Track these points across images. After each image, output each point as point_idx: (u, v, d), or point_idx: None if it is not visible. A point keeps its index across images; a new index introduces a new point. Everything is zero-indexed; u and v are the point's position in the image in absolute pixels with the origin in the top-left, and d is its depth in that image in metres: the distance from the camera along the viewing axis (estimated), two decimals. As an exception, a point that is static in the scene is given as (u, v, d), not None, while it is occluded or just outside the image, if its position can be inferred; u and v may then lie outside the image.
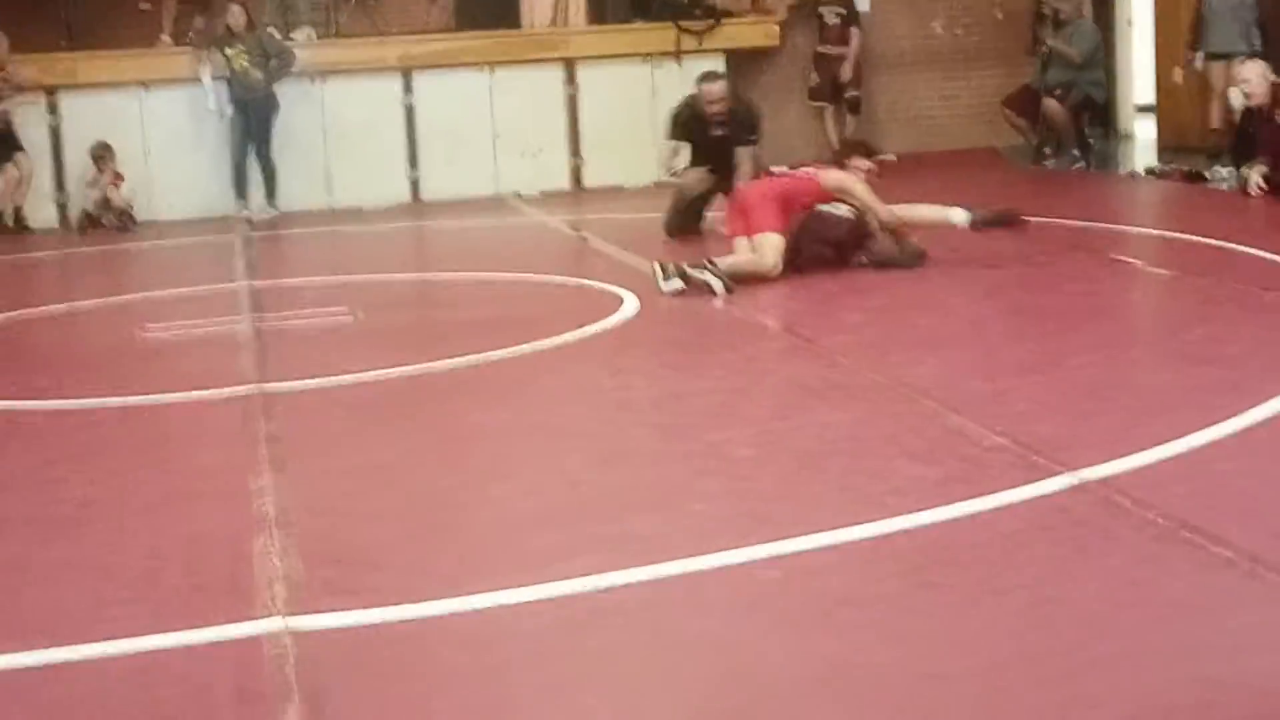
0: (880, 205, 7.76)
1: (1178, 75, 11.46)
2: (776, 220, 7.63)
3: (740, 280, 7.38)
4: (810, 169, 8.18)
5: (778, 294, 7.32)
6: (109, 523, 4.36)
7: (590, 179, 12.46)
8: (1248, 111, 9.74)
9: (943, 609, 3.35)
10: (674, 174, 9.75)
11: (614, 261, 8.66)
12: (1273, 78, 9.67)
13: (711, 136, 9.53)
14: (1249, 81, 9.55)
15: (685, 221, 9.60)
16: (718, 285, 7.28)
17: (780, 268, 7.57)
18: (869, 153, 8.25)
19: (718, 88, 9.58)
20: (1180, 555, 3.54)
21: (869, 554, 3.71)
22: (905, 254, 7.68)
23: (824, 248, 7.68)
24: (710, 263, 7.39)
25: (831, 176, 7.88)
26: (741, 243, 7.78)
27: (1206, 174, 10.22)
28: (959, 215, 7.68)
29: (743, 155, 9.54)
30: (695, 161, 9.64)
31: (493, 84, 12.30)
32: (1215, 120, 10.92)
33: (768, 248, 7.59)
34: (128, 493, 4.66)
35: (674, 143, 9.75)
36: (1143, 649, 3.05)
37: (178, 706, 3.05)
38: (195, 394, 5.86)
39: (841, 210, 7.72)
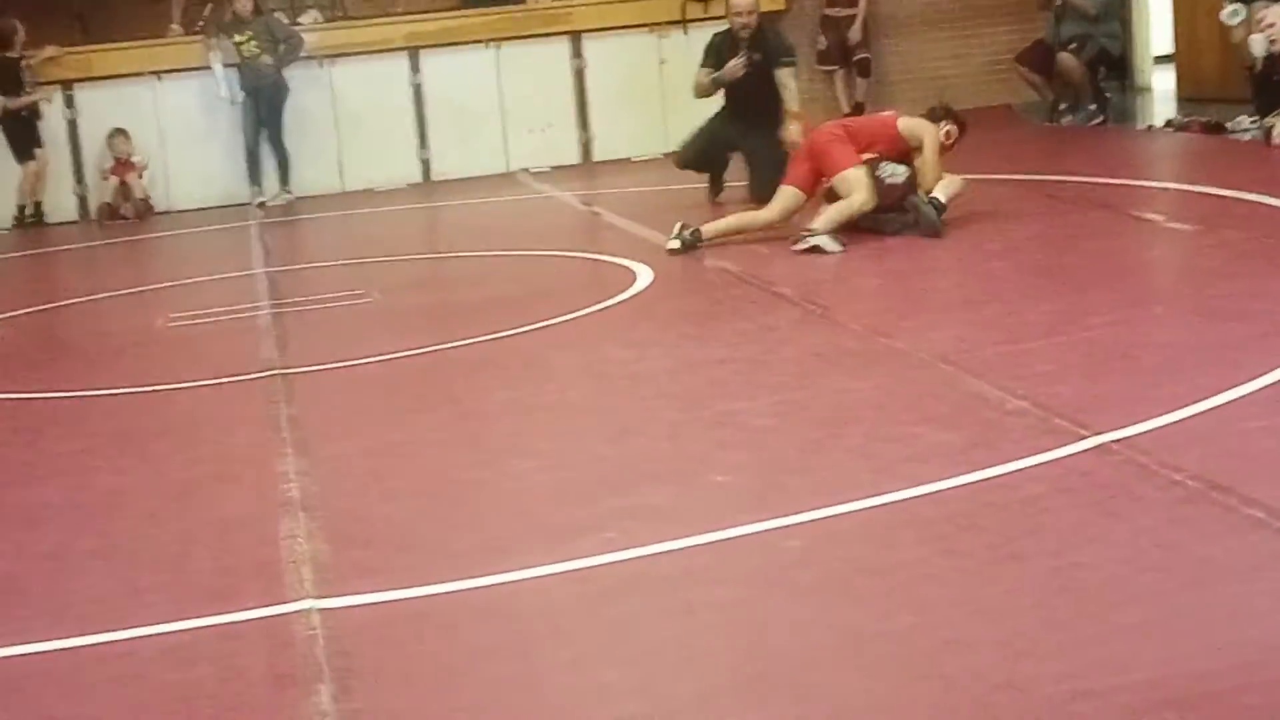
0: (938, 170, 7.59)
1: (1235, 14, 10.83)
2: (854, 155, 7.49)
3: (840, 229, 7.31)
4: (890, 111, 7.93)
5: (791, 261, 7.29)
6: (140, 508, 4.42)
7: (600, 152, 12.43)
8: (1271, 58, 9.53)
9: (965, 576, 3.35)
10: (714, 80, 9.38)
11: (626, 234, 8.64)
12: None
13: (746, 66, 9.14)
14: (1275, 26, 9.31)
15: (703, 156, 9.39)
16: (832, 245, 7.21)
17: (874, 200, 7.41)
18: (959, 120, 7.86)
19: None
20: (1209, 516, 3.51)
21: (890, 522, 3.71)
22: (925, 223, 7.46)
23: (867, 217, 7.53)
24: (807, 230, 7.31)
25: (910, 121, 7.69)
26: (787, 191, 7.69)
27: (1228, 125, 10.07)
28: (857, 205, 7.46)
29: (784, 77, 9.20)
30: (729, 99, 9.36)
31: (500, 60, 12.27)
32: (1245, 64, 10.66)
33: (856, 183, 7.41)
34: (157, 479, 4.72)
35: (707, 69, 9.42)
36: (1171, 613, 3.03)
37: (211, 687, 3.09)
38: (219, 380, 5.90)
39: (900, 175, 7.55)
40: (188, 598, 3.58)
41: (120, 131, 11.59)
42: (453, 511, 4.13)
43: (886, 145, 7.64)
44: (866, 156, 7.57)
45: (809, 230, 7.33)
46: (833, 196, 7.59)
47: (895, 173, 7.56)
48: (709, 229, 7.74)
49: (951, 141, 7.75)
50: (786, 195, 7.73)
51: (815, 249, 7.25)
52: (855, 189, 7.43)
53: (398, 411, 5.30)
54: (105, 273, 9.88)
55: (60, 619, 3.54)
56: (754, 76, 9.19)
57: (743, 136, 9.22)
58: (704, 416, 4.80)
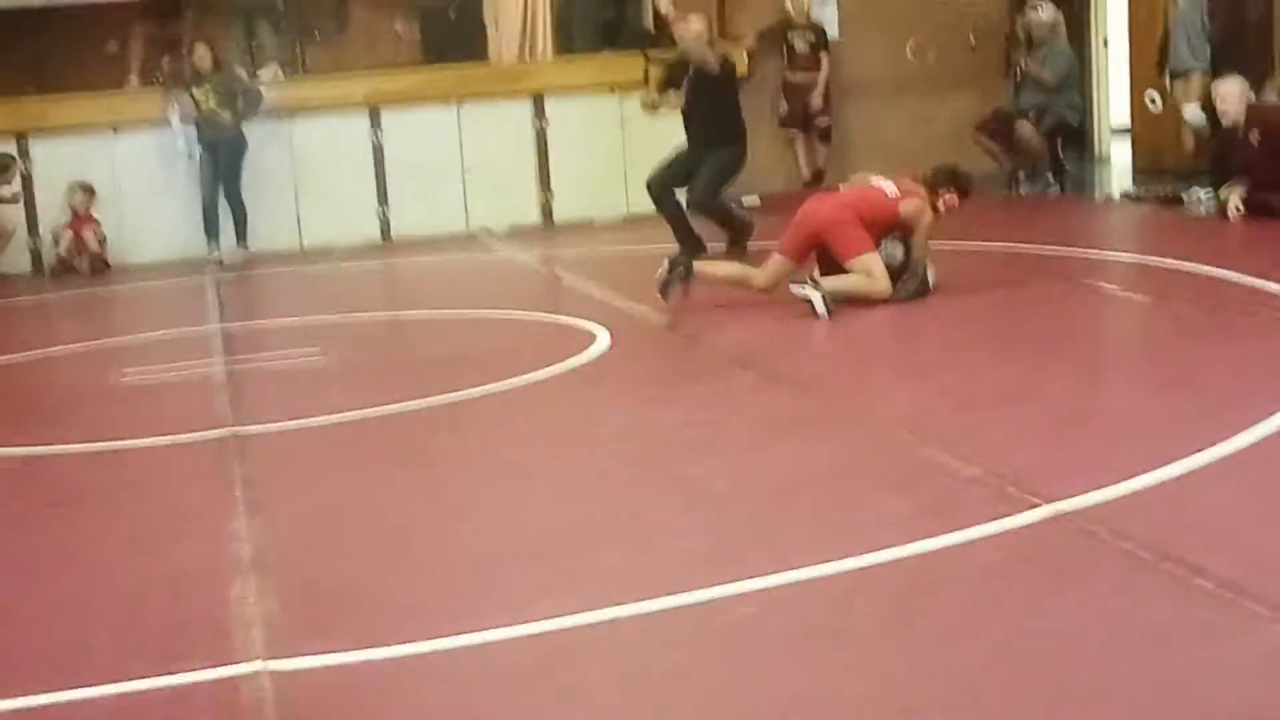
0: (928, 248, 7.64)
1: (1153, 105, 11.36)
2: (868, 240, 7.46)
3: (842, 301, 7.27)
4: (889, 186, 7.73)
5: (751, 325, 7.32)
6: (90, 566, 4.37)
7: (560, 213, 12.46)
8: (1224, 132, 9.68)
9: (918, 643, 3.35)
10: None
11: (586, 296, 8.66)
12: (1250, 97, 9.60)
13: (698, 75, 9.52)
14: (1226, 100, 9.45)
15: (666, 173, 9.72)
16: (820, 304, 7.17)
17: (890, 290, 7.42)
18: (962, 187, 7.85)
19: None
20: (1160, 586, 3.54)
21: (844, 588, 3.71)
22: (907, 288, 7.52)
23: None
24: (814, 280, 7.29)
25: (912, 206, 7.60)
26: (778, 259, 7.66)
27: (1184, 197, 10.18)
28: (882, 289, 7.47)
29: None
30: (686, 125, 9.79)
31: (461, 119, 12.30)
32: (1187, 142, 10.89)
33: (877, 271, 7.42)
34: (107, 537, 4.67)
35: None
36: (1122, 683, 3.04)
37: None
38: (172, 438, 5.85)
39: (897, 258, 7.57)
40: (136, 658, 3.55)
41: (84, 187, 11.50)
42: (406, 572, 4.11)
43: (887, 224, 7.61)
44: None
45: (815, 280, 7.31)
46: (825, 259, 7.60)
47: (893, 255, 7.61)
48: (706, 267, 7.78)
49: (950, 210, 7.78)
50: (777, 263, 7.69)
51: (808, 302, 7.22)
52: (879, 277, 7.42)
53: (352, 471, 5.27)
54: (58, 327, 9.80)
55: (8, 678, 3.49)
56: (703, 99, 9.58)
57: (700, 157, 9.59)
58: (661, 480, 4.80)
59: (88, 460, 5.72)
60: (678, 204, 9.78)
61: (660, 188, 9.80)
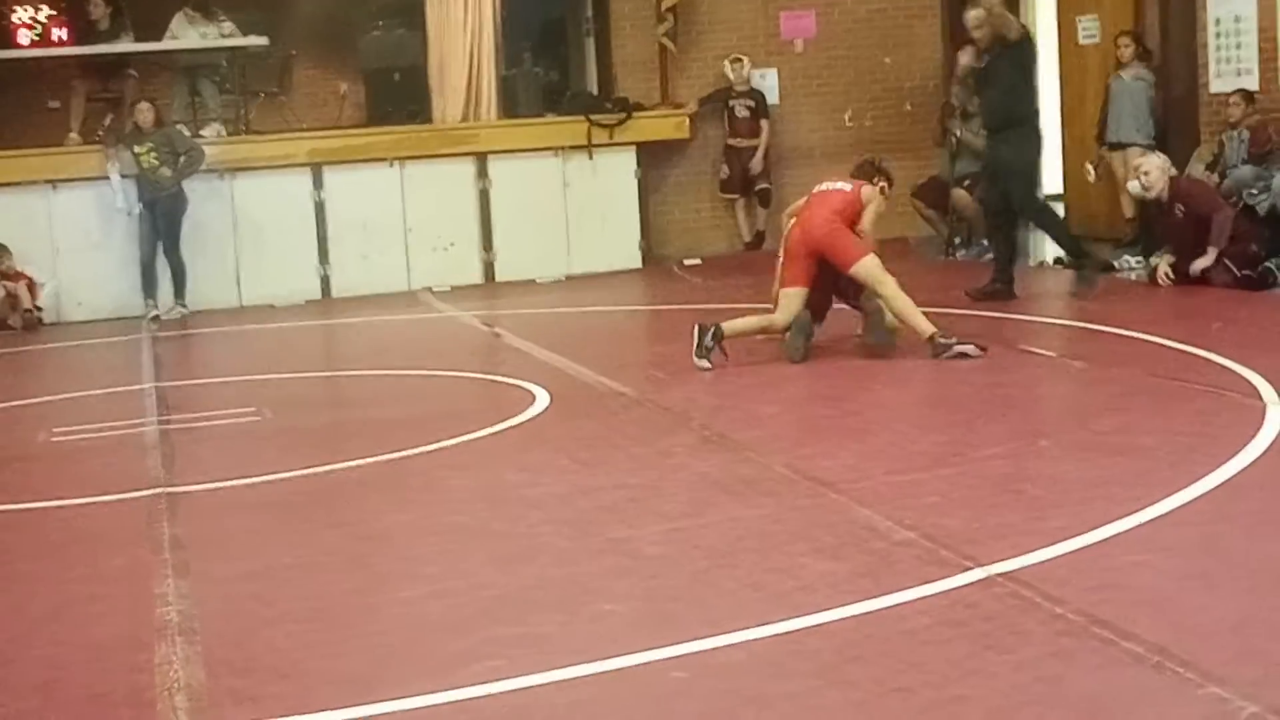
0: (875, 230, 8.00)
1: (1089, 175, 11.61)
2: (862, 244, 7.80)
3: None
4: (843, 184, 8.06)
5: (690, 388, 7.34)
6: (7, 631, 4.27)
7: (503, 273, 12.46)
8: (1150, 203, 9.92)
9: (850, 707, 3.34)
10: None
11: (526, 356, 8.65)
12: (1172, 171, 9.87)
13: None
14: (1149, 174, 9.72)
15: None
16: (971, 349, 7.51)
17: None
18: (889, 175, 8.42)
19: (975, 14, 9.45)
20: (1089, 650, 3.55)
21: (777, 653, 3.69)
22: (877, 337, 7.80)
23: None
24: (941, 343, 7.51)
25: (868, 190, 7.97)
26: (793, 292, 7.82)
27: (1115, 264, 10.38)
28: (925, 328, 7.66)
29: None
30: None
31: (404, 178, 12.30)
32: (1128, 210, 11.10)
33: (879, 271, 7.73)
34: (27, 600, 4.57)
35: None
36: (1051, 747, 3.04)
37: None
38: (99, 498, 5.77)
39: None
40: (54, 727, 3.47)
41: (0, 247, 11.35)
42: (336, 637, 4.05)
43: (857, 216, 7.89)
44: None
45: (941, 342, 7.50)
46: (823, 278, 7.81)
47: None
48: (731, 326, 7.83)
49: (888, 196, 8.27)
50: (791, 296, 7.84)
51: (961, 355, 7.46)
52: (880, 279, 7.71)
53: (284, 533, 5.20)
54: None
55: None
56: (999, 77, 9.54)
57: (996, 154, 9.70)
58: (595, 543, 4.78)
59: (10, 520, 5.62)
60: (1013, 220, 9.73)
61: (996, 214, 9.72)
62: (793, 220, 8.10)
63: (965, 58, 11.70)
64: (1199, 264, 9.34)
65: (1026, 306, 9.36)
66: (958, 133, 12.10)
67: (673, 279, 12.15)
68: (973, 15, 9.52)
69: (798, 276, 7.85)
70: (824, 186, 8.13)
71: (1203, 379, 6.65)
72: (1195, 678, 3.33)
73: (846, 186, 8.03)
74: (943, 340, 7.52)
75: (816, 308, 7.91)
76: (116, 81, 12.32)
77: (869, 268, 7.71)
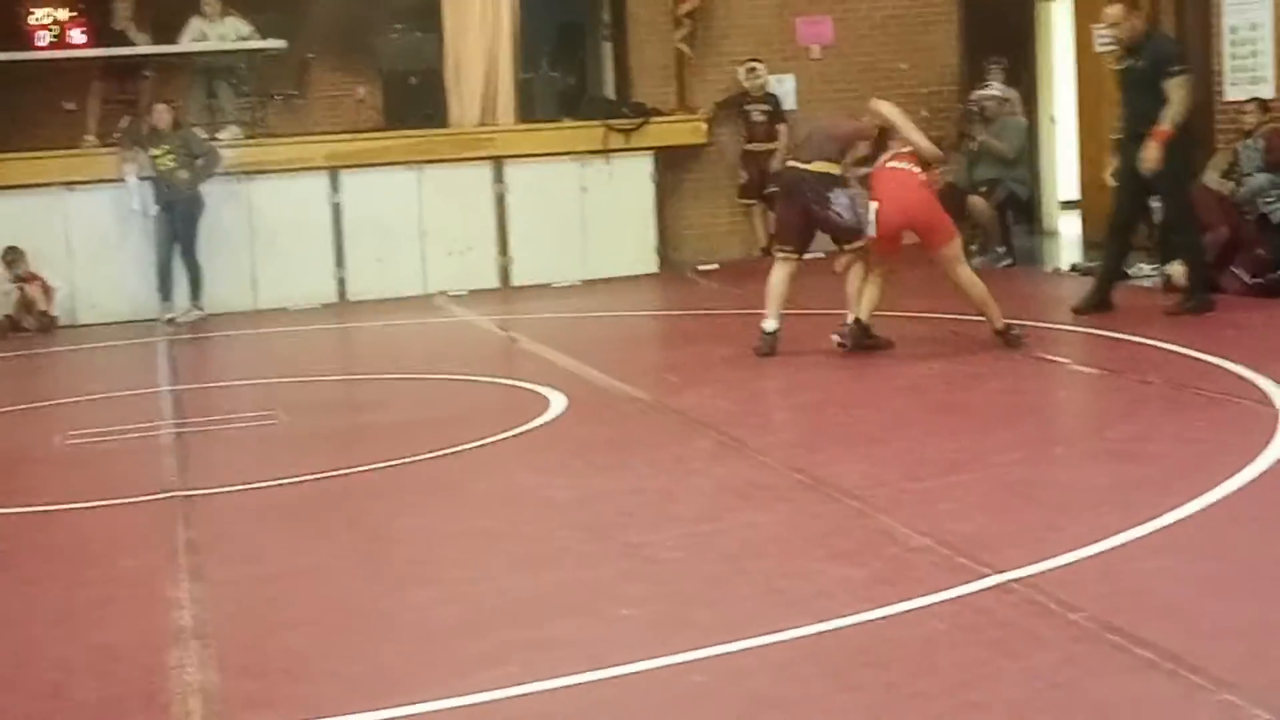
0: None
1: (1110, 181, 11.53)
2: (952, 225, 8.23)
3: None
4: (901, 164, 8.18)
5: (705, 393, 7.33)
6: (19, 634, 4.27)
7: (518, 277, 12.47)
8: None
9: (865, 712, 3.34)
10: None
11: (542, 360, 8.65)
12: None
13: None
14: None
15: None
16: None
17: None
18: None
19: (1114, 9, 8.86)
20: (1103, 657, 3.54)
21: (793, 657, 3.69)
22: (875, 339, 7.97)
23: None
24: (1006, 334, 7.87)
25: (951, 252, 8.12)
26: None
27: (1130, 271, 10.34)
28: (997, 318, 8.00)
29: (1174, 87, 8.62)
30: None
31: (421, 182, 12.32)
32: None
33: (963, 263, 8.20)
34: (40, 603, 4.57)
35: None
36: (1066, 754, 3.04)
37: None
38: (113, 501, 5.78)
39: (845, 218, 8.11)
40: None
41: (12, 249, 11.37)
42: (351, 641, 4.05)
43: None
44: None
45: (1015, 334, 7.84)
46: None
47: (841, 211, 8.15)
48: (865, 312, 7.98)
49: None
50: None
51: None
52: (964, 270, 8.10)
53: (299, 536, 5.21)
54: (2, 387, 9.68)
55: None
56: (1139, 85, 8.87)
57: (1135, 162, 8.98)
58: (612, 548, 4.78)
59: (25, 523, 5.63)
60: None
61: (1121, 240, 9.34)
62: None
63: (988, 90, 11.73)
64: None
65: (1040, 313, 9.33)
66: (979, 136, 12.05)
67: (688, 284, 12.15)
68: (1112, 11, 8.95)
69: (889, 233, 8.01)
70: (893, 165, 8.18)
71: (1216, 386, 6.63)
72: (1208, 684, 3.33)
73: (907, 165, 8.15)
74: (1015, 333, 7.89)
75: (800, 243, 8.20)
76: (133, 83, 12.36)
77: (957, 249, 8.09)
